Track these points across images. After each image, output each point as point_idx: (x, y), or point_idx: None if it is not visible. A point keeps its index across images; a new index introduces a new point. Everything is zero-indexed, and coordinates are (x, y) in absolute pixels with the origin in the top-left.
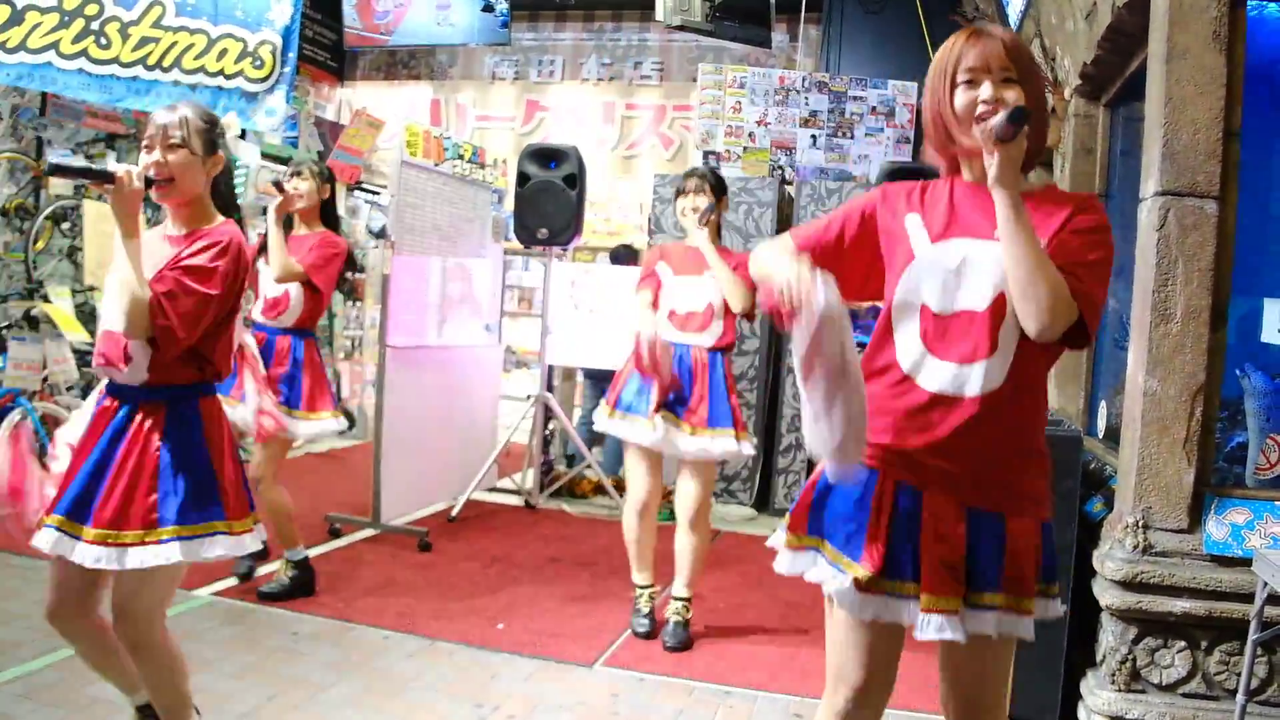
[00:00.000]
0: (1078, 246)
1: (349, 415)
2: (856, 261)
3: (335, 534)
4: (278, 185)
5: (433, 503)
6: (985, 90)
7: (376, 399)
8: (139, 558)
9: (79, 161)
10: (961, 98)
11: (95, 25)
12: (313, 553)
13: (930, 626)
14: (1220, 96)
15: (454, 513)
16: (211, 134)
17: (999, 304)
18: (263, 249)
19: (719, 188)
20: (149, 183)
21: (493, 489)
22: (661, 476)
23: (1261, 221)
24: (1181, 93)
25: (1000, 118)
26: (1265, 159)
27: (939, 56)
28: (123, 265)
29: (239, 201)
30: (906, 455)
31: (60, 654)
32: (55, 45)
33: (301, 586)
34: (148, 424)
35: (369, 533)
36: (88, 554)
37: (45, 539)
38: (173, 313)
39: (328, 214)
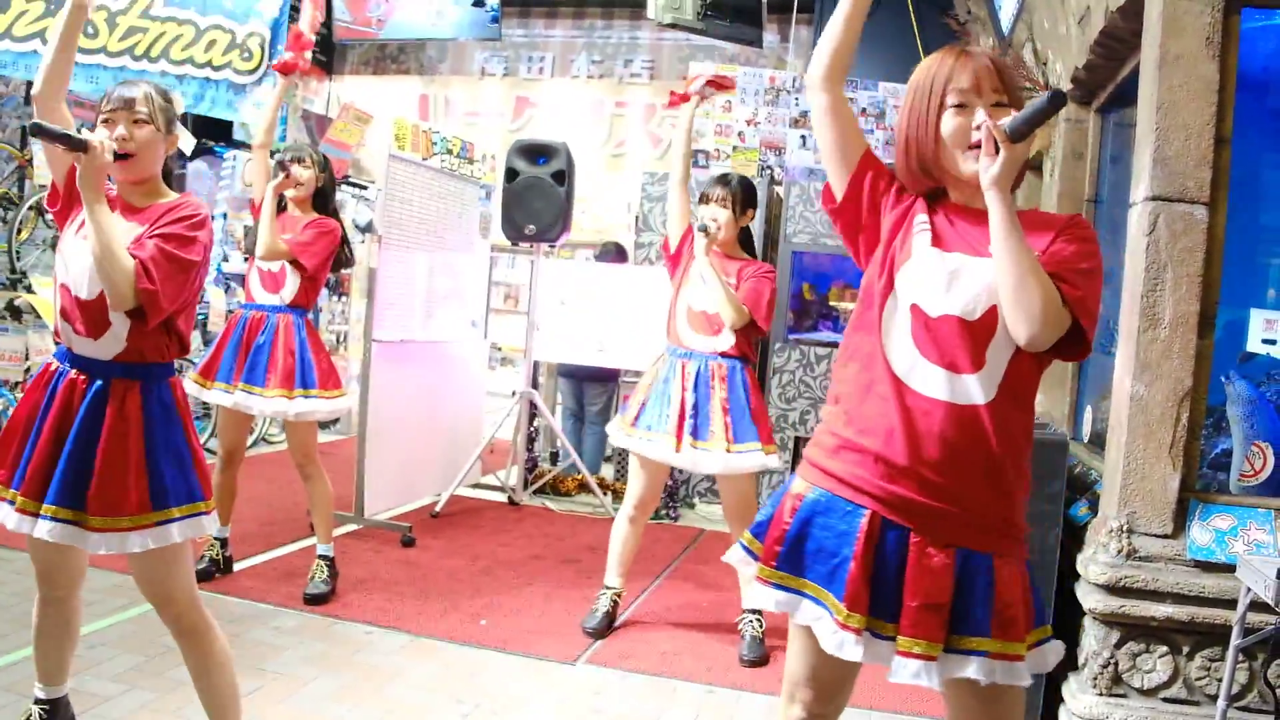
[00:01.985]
0: (1071, 255)
1: None
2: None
3: None
4: (281, 165)
5: (416, 498)
6: (980, 116)
7: (361, 393)
8: (139, 541)
9: (59, 127)
10: (951, 122)
11: None
12: (294, 547)
13: (905, 670)
14: (1212, 103)
15: (437, 509)
16: (171, 112)
17: (989, 318)
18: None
19: (747, 199)
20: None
21: (476, 485)
22: (662, 487)
23: (1249, 230)
24: (1173, 99)
25: (1039, 104)
26: (1253, 167)
27: (922, 76)
28: (101, 231)
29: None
30: (896, 478)
31: None
32: (41, 34)
33: (334, 583)
34: (128, 403)
35: (351, 528)
36: (96, 542)
37: (47, 530)
38: (158, 278)
39: (323, 202)
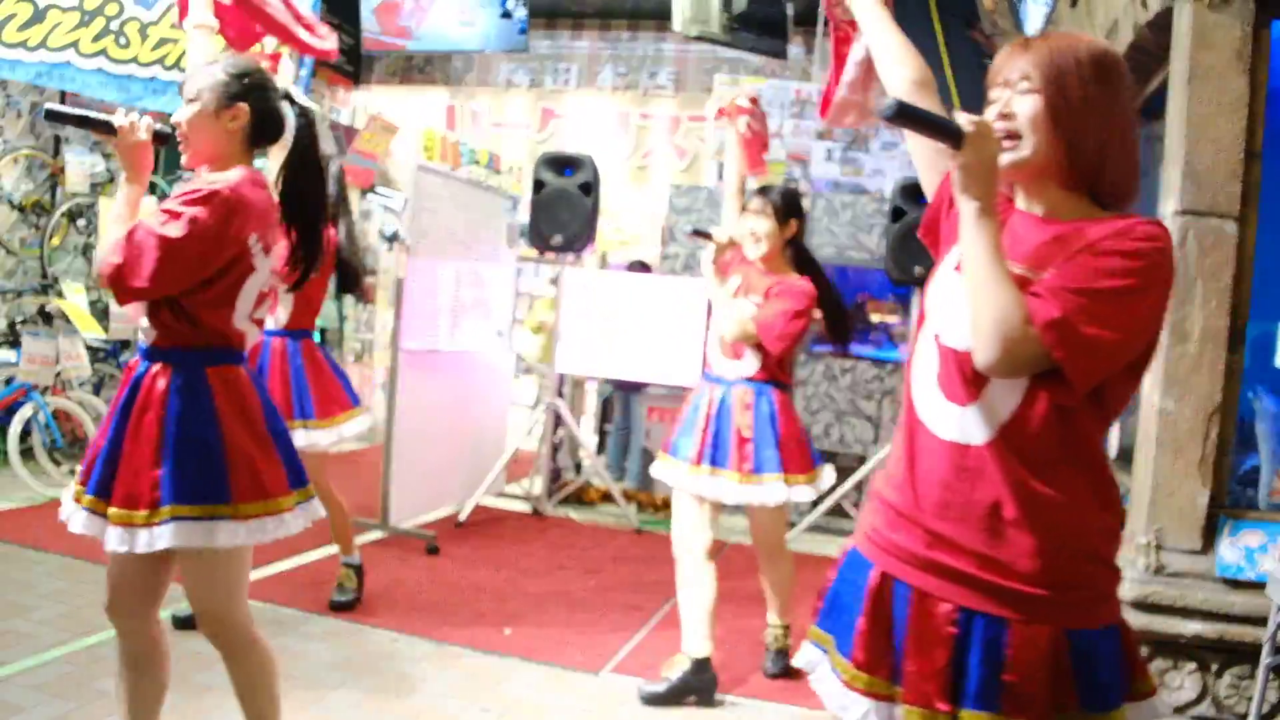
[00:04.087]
0: (1088, 270)
1: None
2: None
3: None
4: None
5: (441, 507)
6: (993, 109)
7: (388, 402)
8: (146, 540)
9: (76, 109)
10: (987, 114)
11: (115, 25)
12: (321, 554)
13: None
14: (1243, 117)
15: (461, 517)
16: (232, 86)
17: None
18: None
19: (789, 209)
20: (163, 138)
21: (500, 494)
22: (711, 527)
23: (1279, 244)
24: (1203, 113)
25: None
26: None
27: None
28: (114, 205)
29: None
30: (900, 526)
31: (71, 646)
32: (75, 44)
33: (360, 591)
34: (154, 389)
35: (377, 535)
36: (111, 536)
37: (77, 521)
38: (125, 254)
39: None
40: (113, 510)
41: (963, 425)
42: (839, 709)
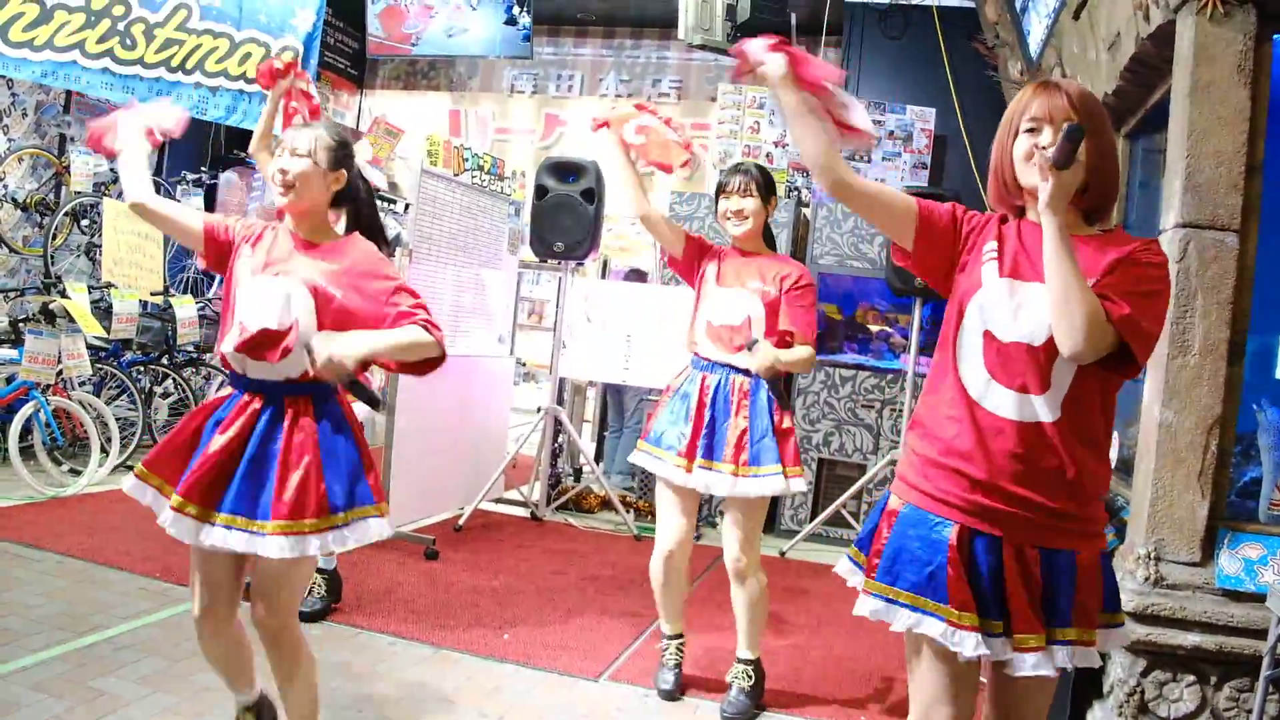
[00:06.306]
0: (1132, 277)
1: None
2: (947, 247)
3: None
4: None
5: (440, 511)
6: (1045, 136)
7: (388, 406)
8: (318, 544)
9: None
10: (1023, 143)
11: (121, 26)
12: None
13: (1025, 664)
14: (1244, 130)
15: (460, 522)
16: (339, 152)
17: (1053, 340)
18: None
19: (769, 186)
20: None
21: (499, 500)
22: (695, 518)
23: (1279, 257)
24: (1204, 126)
25: (1059, 138)
26: None
27: (1009, 107)
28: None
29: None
30: (979, 490)
31: (69, 645)
32: (81, 44)
33: (334, 595)
34: (302, 417)
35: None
36: (272, 546)
37: (225, 538)
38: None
39: None
40: (274, 523)
41: (1029, 408)
42: (954, 645)
